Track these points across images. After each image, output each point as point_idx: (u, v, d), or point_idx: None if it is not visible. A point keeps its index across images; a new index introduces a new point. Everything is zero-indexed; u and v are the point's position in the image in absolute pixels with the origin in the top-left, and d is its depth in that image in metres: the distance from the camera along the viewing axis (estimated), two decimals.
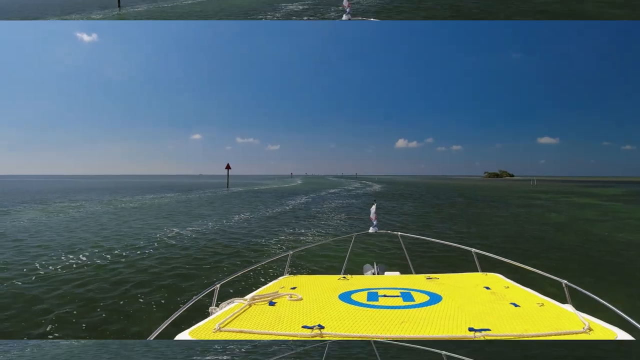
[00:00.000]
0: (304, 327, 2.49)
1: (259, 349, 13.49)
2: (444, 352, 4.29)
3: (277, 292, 3.40)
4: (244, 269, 5.52)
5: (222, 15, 26.25)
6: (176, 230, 18.51)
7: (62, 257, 13.03)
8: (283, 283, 3.92)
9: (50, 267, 11.72)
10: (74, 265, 11.99)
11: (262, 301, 3.07)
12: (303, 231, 18.76)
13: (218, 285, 3.53)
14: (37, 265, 11.99)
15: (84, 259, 12.81)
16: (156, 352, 14.70)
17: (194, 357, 13.43)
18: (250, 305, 2.97)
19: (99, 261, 12.46)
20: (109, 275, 10.92)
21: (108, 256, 13.11)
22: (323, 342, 5.15)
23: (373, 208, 20.91)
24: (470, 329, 2.69)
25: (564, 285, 3.51)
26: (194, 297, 3.31)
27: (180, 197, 42.40)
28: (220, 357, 13.12)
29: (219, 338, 2.35)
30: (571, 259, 13.20)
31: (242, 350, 13.57)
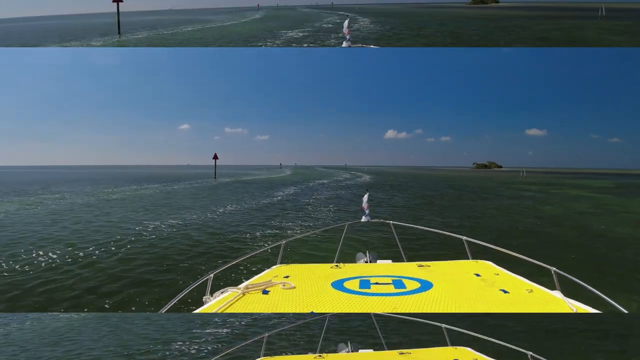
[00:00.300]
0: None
1: (259, 322, 13.48)
2: (443, 325, 4.32)
3: (270, 280, 3.33)
4: (236, 258, 5.41)
5: (222, 42, 26.07)
6: (156, 223, 17.66)
7: (33, 254, 12.14)
8: (276, 272, 3.87)
9: (17, 267, 10.82)
10: (43, 264, 11.11)
11: (255, 290, 3.04)
12: (290, 224, 18.10)
13: (211, 275, 3.50)
14: (1, 262, 11.10)
15: (54, 256, 11.92)
16: (156, 325, 14.34)
17: (194, 330, 13.21)
18: (244, 294, 2.94)
19: (69, 259, 11.60)
20: (69, 276, 10.08)
21: (80, 253, 12.23)
22: (323, 315, 5.29)
23: (365, 197, 20.19)
24: None
25: (553, 272, 3.49)
26: (187, 287, 3.28)
27: (165, 188, 41.36)
28: (220, 330, 13.02)
29: None
30: (572, 257, 12.65)
31: (242, 323, 13.53)
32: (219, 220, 18.98)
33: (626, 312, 3.03)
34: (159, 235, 15.08)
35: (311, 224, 18.33)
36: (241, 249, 12.98)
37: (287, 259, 4.96)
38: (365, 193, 18.98)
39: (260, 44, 24.15)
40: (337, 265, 4.26)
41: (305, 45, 23.69)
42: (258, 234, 15.61)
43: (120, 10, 26.32)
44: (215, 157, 55.72)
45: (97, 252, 12.45)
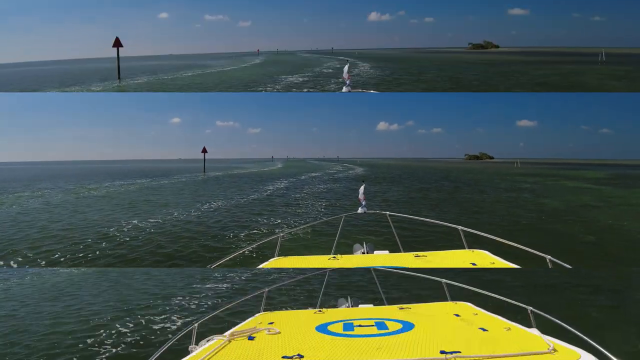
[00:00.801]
0: (284, 357, 2.41)
1: (259, 277, 13.26)
2: (443, 280, 4.37)
3: (255, 327, 3.25)
4: (233, 252, 5.47)
5: (221, 87, 26.10)
6: (134, 222, 16.76)
7: None
8: (260, 319, 3.79)
9: None
10: None
11: (241, 336, 2.99)
12: (281, 221, 17.19)
13: (196, 324, 3.47)
14: None
15: (14, 265, 10.76)
16: (156, 280, 14.27)
17: (194, 285, 13.23)
18: (229, 341, 2.88)
19: (31, 270, 10.44)
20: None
21: (42, 262, 11.13)
22: (323, 271, 5.58)
23: (362, 189, 19.76)
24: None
25: (547, 260, 3.49)
26: (171, 338, 3.24)
27: (152, 184, 40.16)
28: (219, 286, 13.04)
29: None
30: (593, 258, 11.78)
31: (242, 278, 13.38)
32: (204, 217, 18.02)
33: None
34: (137, 237, 14.10)
35: (304, 220, 17.65)
36: (236, 244, 12.85)
37: (285, 252, 4.83)
38: (362, 184, 18.34)
39: (260, 88, 24.12)
40: (334, 257, 4.24)
41: (305, 90, 23.77)
42: (245, 233, 14.75)
43: (120, 55, 25.75)
44: (204, 151, 54.56)
45: (61, 258, 11.31)
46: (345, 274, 12.10)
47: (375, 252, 5.17)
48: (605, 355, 2.43)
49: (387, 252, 5.02)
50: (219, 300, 11.60)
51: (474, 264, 3.61)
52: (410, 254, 4.27)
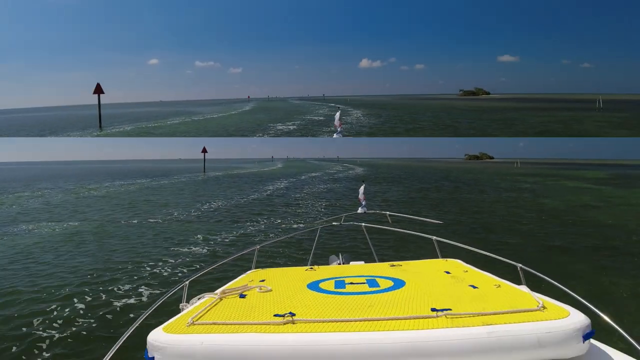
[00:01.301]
0: (275, 315, 2.39)
1: (244, 239, 12.89)
2: (434, 238, 4.48)
3: (246, 285, 3.27)
4: (214, 263, 5.21)
5: (208, 135, 26.34)
6: (134, 222, 16.61)
7: None
8: (252, 277, 3.84)
9: None
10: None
11: (232, 294, 3.01)
12: (280, 221, 17.11)
13: (187, 282, 3.48)
14: None
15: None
16: (135, 243, 13.35)
17: (176, 248, 12.33)
18: (221, 299, 2.89)
19: (31, 267, 10.41)
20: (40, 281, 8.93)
21: (44, 257, 11.08)
22: (314, 228, 5.86)
23: (362, 189, 19.85)
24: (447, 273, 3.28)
25: (518, 269, 3.45)
26: (162, 296, 3.23)
27: (152, 184, 40.17)
28: (208, 246, 12.38)
29: (193, 332, 2.18)
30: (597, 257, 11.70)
31: (226, 241, 12.86)
32: (205, 218, 17.92)
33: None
34: (137, 235, 14.03)
35: (304, 220, 17.52)
36: (234, 246, 12.53)
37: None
38: (362, 184, 18.38)
39: (249, 136, 24.52)
40: (311, 268, 4.26)
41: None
42: (251, 231, 14.63)
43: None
44: (204, 151, 54.53)
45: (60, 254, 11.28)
46: (335, 231, 12.17)
47: (351, 262, 5.16)
48: (594, 312, 2.45)
49: (362, 262, 5.01)
50: (209, 259, 11.04)
51: (447, 272, 3.51)
52: (386, 264, 4.18)
